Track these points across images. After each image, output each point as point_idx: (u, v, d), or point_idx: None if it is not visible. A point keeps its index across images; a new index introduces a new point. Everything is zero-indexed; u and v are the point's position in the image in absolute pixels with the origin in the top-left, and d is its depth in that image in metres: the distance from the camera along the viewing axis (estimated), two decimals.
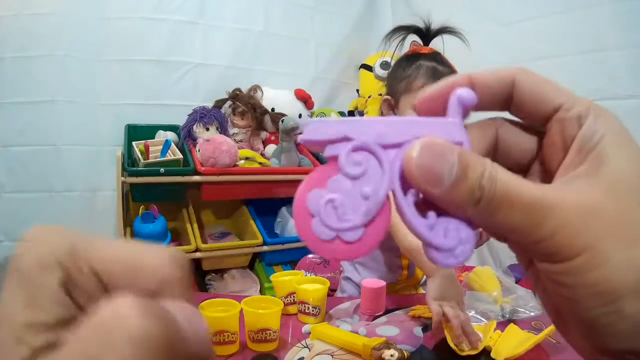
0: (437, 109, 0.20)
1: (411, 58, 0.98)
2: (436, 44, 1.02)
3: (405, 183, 0.18)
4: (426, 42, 1.00)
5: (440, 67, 0.93)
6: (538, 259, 0.18)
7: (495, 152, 0.22)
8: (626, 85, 1.42)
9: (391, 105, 1.02)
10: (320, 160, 1.80)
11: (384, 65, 1.89)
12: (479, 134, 0.21)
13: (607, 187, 0.17)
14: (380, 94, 1.40)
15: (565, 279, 0.17)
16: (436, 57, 0.96)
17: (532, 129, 0.22)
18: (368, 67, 2.10)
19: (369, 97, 2.06)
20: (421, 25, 0.98)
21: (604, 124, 0.19)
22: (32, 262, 0.14)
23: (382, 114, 1.07)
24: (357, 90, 2.21)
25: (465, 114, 0.19)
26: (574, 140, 0.19)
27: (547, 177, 0.20)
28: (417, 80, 0.93)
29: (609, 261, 0.16)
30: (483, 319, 0.70)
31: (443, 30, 0.99)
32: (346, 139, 0.18)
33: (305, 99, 1.94)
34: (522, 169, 0.22)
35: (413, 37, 1.03)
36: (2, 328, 0.13)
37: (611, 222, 0.16)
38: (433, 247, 0.18)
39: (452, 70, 0.94)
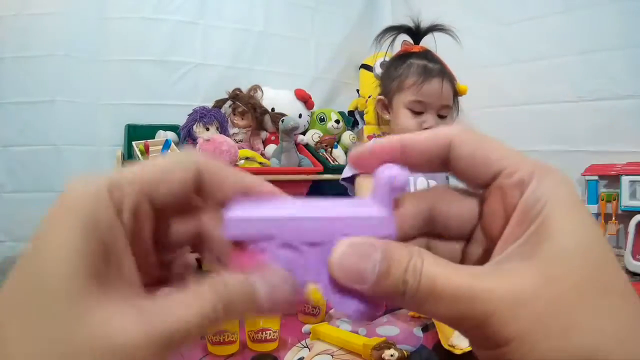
0: (370, 166, 0.20)
1: (402, 57, 0.99)
2: (428, 42, 1.02)
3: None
4: (417, 41, 1.00)
5: (431, 64, 0.94)
6: (473, 344, 0.18)
7: (434, 223, 0.21)
8: (626, 85, 1.42)
9: (385, 105, 1.02)
10: (320, 160, 1.80)
11: (384, 65, 1.90)
12: (412, 209, 0.20)
13: (542, 271, 0.16)
14: (371, 95, 1.41)
15: None
16: (427, 55, 0.97)
17: (472, 195, 0.21)
18: (368, 67, 2.10)
19: (369, 97, 2.06)
20: (412, 24, 0.99)
21: (549, 189, 0.18)
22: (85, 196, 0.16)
23: (377, 114, 1.07)
24: (357, 90, 2.21)
25: (396, 195, 0.20)
26: (515, 210, 0.18)
27: (490, 245, 0.19)
28: (409, 78, 0.94)
29: (536, 350, 0.15)
30: None
31: (433, 29, 0.99)
32: (270, 237, 0.18)
33: (305, 99, 1.94)
34: (463, 237, 0.21)
35: (405, 37, 1.04)
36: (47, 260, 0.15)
37: (541, 311, 0.16)
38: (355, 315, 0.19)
39: (442, 67, 0.95)
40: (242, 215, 0.19)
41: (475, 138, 0.20)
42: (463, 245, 0.21)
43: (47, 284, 0.15)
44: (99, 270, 0.15)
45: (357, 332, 0.64)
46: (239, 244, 0.19)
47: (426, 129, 0.98)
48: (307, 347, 0.60)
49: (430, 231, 0.21)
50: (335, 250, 0.18)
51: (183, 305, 0.16)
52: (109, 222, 0.16)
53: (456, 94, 0.99)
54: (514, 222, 0.18)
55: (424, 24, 0.99)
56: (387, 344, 0.55)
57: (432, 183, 1.00)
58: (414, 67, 0.94)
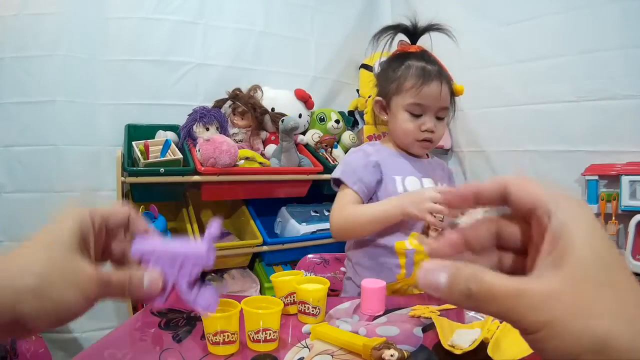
0: (459, 206, 0.31)
1: (400, 58, 0.98)
2: (424, 42, 1.02)
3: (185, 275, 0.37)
4: (414, 40, 1.00)
5: (429, 66, 0.94)
6: (520, 332, 0.24)
7: (500, 240, 0.30)
8: (626, 85, 1.42)
9: (383, 106, 1.02)
10: (320, 160, 1.80)
11: (381, 65, 1.90)
12: (486, 228, 0.30)
13: (567, 276, 0.23)
14: (371, 95, 1.41)
15: (537, 345, 0.23)
16: (424, 55, 0.96)
17: (524, 222, 0.29)
18: (368, 67, 2.10)
19: (369, 97, 2.06)
20: (409, 24, 0.99)
21: (568, 214, 0.25)
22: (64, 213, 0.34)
23: (374, 115, 1.07)
24: (357, 90, 2.21)
25: (212, 240, 0.39)
26: (546, 232, 0.25)
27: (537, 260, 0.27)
28: (407, 81, 0.94)
29: (564, 332, 0.22)
30: (480, 316, 0.70)
31: (430, 28, 0.99)
32: (149, 258, 0.37)
33: (305, 99, 1.94)
34: (521, 251, 0.29)
35: (402, 37, 1.03)
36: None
37: (567, 303, 0.22)
38: (197, 305, 0.38)
39: (440, 68, 0.95)
40: (138, 247, 0.38)
41: (523, 181, 0.28)
42: (523, 258, 0.29)
43: (60, 236, 0.33)
44: (80, 244, 0.33)
45: (357, 332, 0.64)
46: (138, 258, 0.37)
47: (425, 131, 0.97)
48: (307, 347, 0.60)
49: (500, 245, 0.30)
50: (421, 269, 0.27)
51: (112, 274, 0.34)
52: (87, 226, 0.35)
53: (453, 94, 0.99)
54: (547, 242, 0.25)
55: (421, 23, 0.99)
56: (387, 344, 0.55)
57: (427, 181, 0.99)
58: (412, 69, 0.94)
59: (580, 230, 0.24)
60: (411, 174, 0.98)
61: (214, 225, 0.38)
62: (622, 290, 0.22)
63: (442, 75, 0.93)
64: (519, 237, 0.29)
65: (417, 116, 0.95)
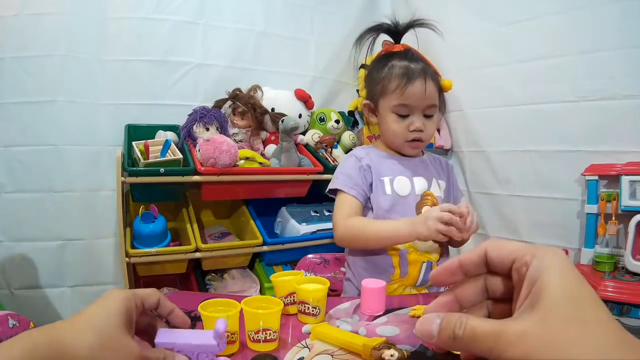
0: (446, 282, 0.37)
1: (384, 59, 0.97)
2: (410, 40, 1.01)
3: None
4: (397, 39, 0.99)
5: (412, 64, 0.92)
6: None
7: (488, 292, 0.35)
8: (626, 85, 1.42)
9: (372, 109, 1.01)
10: (320, 160, 1.80)
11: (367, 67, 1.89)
12: (474, 286, 0.36)
13: (538, 316, 0.26)
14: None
15: None
16: (408, 54, 0.94)
17: (506, 276, 0.33)
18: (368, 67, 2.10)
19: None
20: (390, 23, 0.97)
21: (543, 262, 0.28)
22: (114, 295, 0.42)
23: (365, 118, 1.07)
24: (357, 90, 2.21)
25: (220, 337, 0.47)
26: (524, 281, 0.29)
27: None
28: (391, 82, 0.92)
29: None
30: None
31: (413, 25, 0.97)
32: (172, 346, 0.46)
33: (305, 99, 1.94)
34: (507, 301, 0.34)
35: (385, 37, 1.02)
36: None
37: (538, 339, 0.25)
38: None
39: (425, 65, 0.93)
40: (161, 340, 0.46)
41: (501, 243, 0.33)
42: (509, 305, 0.33)
43: (110, 317, 0.39)
44: (126, 324, 0.40)
45: (357, 332, 0.64)
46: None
47: (414, 131, 0.96)
48: (307, 347, 0.60)
49: (488, 297, 0.36)
50: (419, 320, 0.33)
51: (149, 353, 0.42)
52: (131, 305, 0.42)
53: (441, 90, 0.97)
54: (524, 288, 0.29)
55: (404, 21, 0.97)
56: (387, 344, 0.55)
57: (418, 180, 0.98)
58: (395, 69, 0.92)
59: (553, 274, 0.27)
60: (401, 173, 0.97)
61: (221, 325, 0.46)
62: (590, 324, 0.25)
63: (426, 72, 0.91)
64: (503, 288, 0.34)
65: (404, 117, 0.94)
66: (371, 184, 0.96)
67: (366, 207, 0.97)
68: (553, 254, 0.28)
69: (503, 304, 0.34)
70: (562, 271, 0.27)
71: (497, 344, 0.27)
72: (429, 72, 0.92)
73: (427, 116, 0.94)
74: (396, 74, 0.92)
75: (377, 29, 0.98)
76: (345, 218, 0.93)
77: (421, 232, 0.82)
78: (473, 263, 0.34)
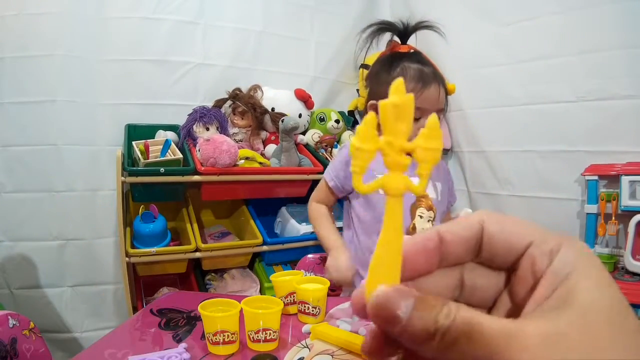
0: (413, 263, 0.22)
1: (392, 59, 0.96)
2: (416, 41, 1.01)
3: None
4: (404, 40, 0.99)
5: (426, 68, 0.93)
6: None
7: (461, 294, 0.23)
8: (626, 85, 1.42)
9: (377, 110, 1.01)
10: (320, 160, 1.80)
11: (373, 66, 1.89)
12: (443, 281, 0.23)
13: (575, 317, 0.19)
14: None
15: None
16: (418, 57, 0.95)
17: (498, 268, 0.23)
18: (368, 67, 2.10)
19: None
20: (399, 23, 0.98)
21: (574, 257, 0.21)
22: None
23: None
24: (357, 90, 2.21)
25: None
26: (545, 274, 0.21)
27: (515, 311, 0.22)
28: (406, 84, 0.93)
29: None
30: None
31: (420, 27, 0.98)
32: None
33: (305, 99, 1.94)
34: (486, 305, 0.24)
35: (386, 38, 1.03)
36: None
37: (575, 348, 0.18)
38: None
39: (434, 70, 0.94)
40: None
41: (504, 218, 0.23)
42: (487, 309, 0.24)
43: None
44: None
45: (357, 332, 0.64)
46: None
47: None
48: (307, 347, 0.60)
49: (457, 300, 0.24)
50: (372, 294, 0.20)
51: None
52: None
53: (447, 94, 0.98)
54: (544, 285, 0.21)
55: (412, 22, 0.98)
56: None
57: (437, 185, 1.00)
58: (410, 71, 0.93)
59: (589, 272, 0.20)
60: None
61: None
62: (629, 332, 0.20)
63: (437, 77, 0.93)
64: (490, 286, 0.24)
65: (415, 120, 0.95)
66: None
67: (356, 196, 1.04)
68: (582, 248, 0.21)
69: (480, 307, 0.24)
70: (597, 269, 0.21)
71: (508, 348, 0.18)
72: (440, 77, 0.94)
73: None
74: (412, 77, 0.92)
75: (385, 29, 0.98)
76: (313, 200, 1.10)
77: (328, 267, 0.96)
78: (463, 242, 0.23)
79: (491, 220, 0.23)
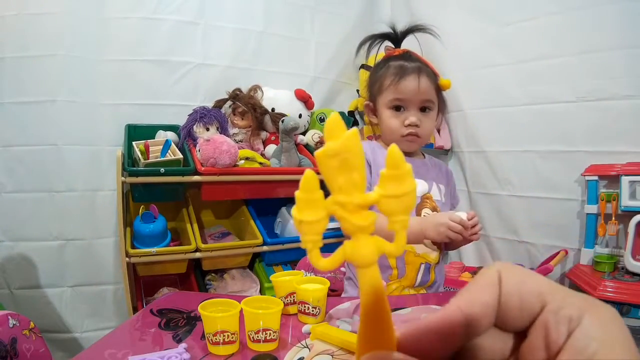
0: (427, 345, 0.19)
1: (382, 62, 0.99)
2: (415, 44, 1.02)
3: None
4: (397, 44, 1.01)
5: (408, 63, 0.94)
6: None
7: (464, 357, 0.20)
8: (626, 85, 1.42)
9: (372, 109, 1.03)
10: None
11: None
12: (441, 340, 0.19)
13: None
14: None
15: None
16: (405, 55, 0.97)
17: (507, 329, 0.20)
18: (368, 67, 2.10)
19: None
20: (389, 30, 1.00)
21: (600, 331, 0.17)
22: None
23: (366, 119, 1.08)
24: (357, 90, 2.21)
25: None
26: (564, 350, 0.17)
27: None
28: (387, 79, 0.94)
29: None
30: None
31: (412, 30, 0.99)
32: None
33: (305, 99, 1.94)
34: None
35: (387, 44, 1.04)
36: None
37: None
38: None
39: (421, 64, 0.94)
40: None
41: (521, 272, 0.20)
42: None
43: None
44: None
45: (357, 332, 0.64)
46: None
47: (409, 125, 0.98)
48: (307, 347, 0.60)
49: None
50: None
51: None
52: None
53: (439, 88, 0.98)
54: (564, 356, 0.17)
55: (408, 25, 0.99)
56: None
57: (418, 182, 0.99)
58: (391, 68, 0.95)
59: (619, 353, 0.17)
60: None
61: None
62: None
63: (420, 69, 0.93)
64: (495, 350, 0.20)
65: (399, 112, 0.95)
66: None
67: None
68: (609, 319, 0.18)
69: None
70: (626, 352, 0.17)
71: None
72: (424, 70, 0.93)
73: (424, 110, 0.95)
74: (392, 71, 0.94)
75: (378, 38, 1.00)
76: None
77: (430, 235, 0.87)
78: (486, 311, 0.19)
79: (508, 275, 0.19)
